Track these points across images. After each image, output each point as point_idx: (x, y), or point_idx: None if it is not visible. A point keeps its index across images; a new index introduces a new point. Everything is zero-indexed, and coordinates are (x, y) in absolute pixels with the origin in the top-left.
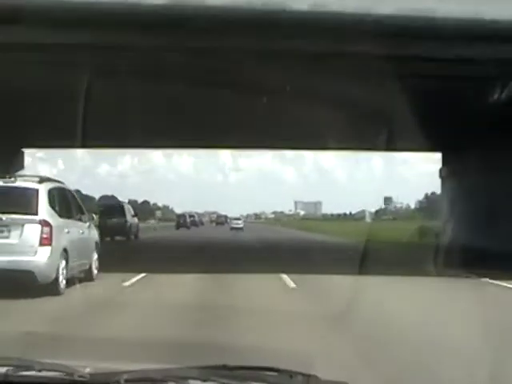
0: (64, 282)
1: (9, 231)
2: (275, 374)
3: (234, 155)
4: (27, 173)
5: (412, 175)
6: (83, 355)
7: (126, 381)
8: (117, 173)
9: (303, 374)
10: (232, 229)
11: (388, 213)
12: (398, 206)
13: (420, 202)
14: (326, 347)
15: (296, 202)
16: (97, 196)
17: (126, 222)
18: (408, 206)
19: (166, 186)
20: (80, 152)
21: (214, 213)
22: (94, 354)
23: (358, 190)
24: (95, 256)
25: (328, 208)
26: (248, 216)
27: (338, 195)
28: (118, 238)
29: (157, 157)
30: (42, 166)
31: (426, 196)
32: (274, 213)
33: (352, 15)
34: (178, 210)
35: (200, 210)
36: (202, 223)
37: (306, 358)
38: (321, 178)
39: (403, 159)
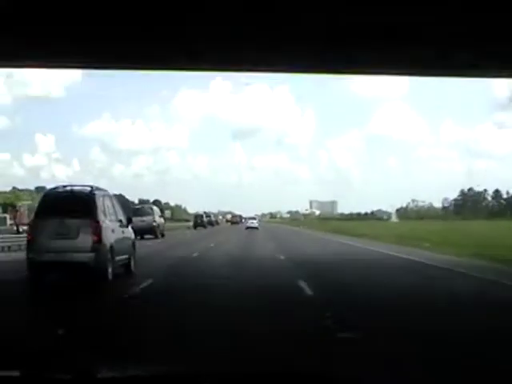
0: (111, 271)
1: (69, 231)
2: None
3: (248, 154)
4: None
5: (434, 173)
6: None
7: None
8: (131, 173)
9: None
10: (247, 228)
11: (410, 212)
12: (421, 204)
13: (444, 200)
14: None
15: (311, 202)
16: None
17: (154, 222)
18: (430, 205)
19: (179, 186)
20: (95, 151)
21: (228, 212)
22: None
23: (375, 189)
24: (133, 252)
25: (343, 207)
26: (263, 215)
27: (352, 194)
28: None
29: (171, 156)
30: (57, 165)
31: (463, 193)
32: (289, 212)
33: None
34: (191, 210)
35: (214, 210)
36: (218, 223)
37: (317, 367)
38: (336, 177)
39: (423, 156)
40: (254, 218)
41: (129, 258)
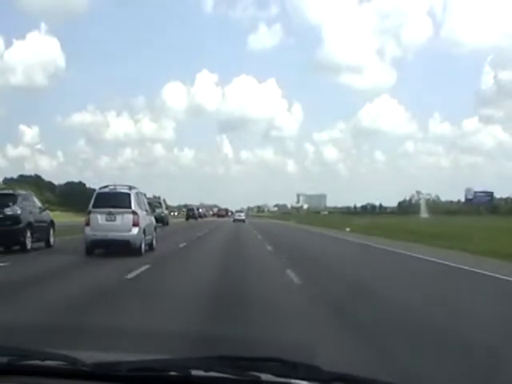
0: (143, 247)
1: (115, 218)
2: (278, 364)
3: (235, 147)
4: None
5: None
6: (86, 345)
7: (129, 370)
8: (116, 165)
9: (306, 365)
10: (235, 220)
11: (415, 206)
12: (426, 197)
13: (467, 191)
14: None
15: (298, 195)
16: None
17: (162, 213)
18: (437, 198)
19: (162, 178)
20: (80, 143)
21: (213, 206)
22: (97, 344)
23: (363, 183)
24: (155, 234)
25: (332, 201)
26: (249, 209)
27: (340, 188)
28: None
29: (157, 149)
30: (41, 157)
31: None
32: (276, 205)
33: None
34: (171, 203)
35: (196, 203)
36: (206, 215)
37: (308, 349)
38: (324, 170)
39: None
40: (241, 211)
41: (152, 238)
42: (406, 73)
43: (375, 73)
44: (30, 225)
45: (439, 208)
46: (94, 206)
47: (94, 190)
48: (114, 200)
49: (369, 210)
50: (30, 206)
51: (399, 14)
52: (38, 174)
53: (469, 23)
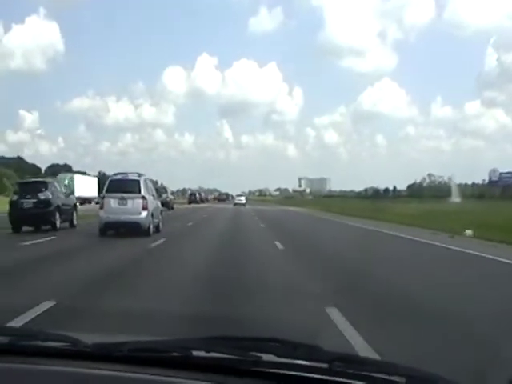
0: (152, 229)
1: (126, 202)
2: (278, 344)
3: (235, 132)
4: None
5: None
6: (88, 326)
7: (130, 351)
8: (116, 150)
9: (307, 345)
10: (235, 204)
11: (427, 189)
12: (439, 180)
13: (492, 172)
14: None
15: (300, 179)
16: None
17: (168, 198)
18: (449, 180)
19: (163, 162)
20: (80, 129)
21: (214, 190)
22: (100, 325)
23: (365, 166)
24: (161, 218)
25: (334, 185)
26: (250, 193)
27: (343, 171)
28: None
29: (157, 134)
30: (41, 142)
31: None
32: (277, 189)
33: None
34: (173, 188)
35: (195, 187)
36: (208, 199)
37: (309, 330)
38: (325, 154)
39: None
40: (241, 196)
41: (159, 221)
42: (407, 55)
43: (377, 56)
44: (58, 207)
45: (464, 191)
46: (107, 191)
47: (83, 173)
48: (126, 186)
49: (381, 194)
50: (57, 192)
51: None
52: (35, 159)
53: (472, 4)
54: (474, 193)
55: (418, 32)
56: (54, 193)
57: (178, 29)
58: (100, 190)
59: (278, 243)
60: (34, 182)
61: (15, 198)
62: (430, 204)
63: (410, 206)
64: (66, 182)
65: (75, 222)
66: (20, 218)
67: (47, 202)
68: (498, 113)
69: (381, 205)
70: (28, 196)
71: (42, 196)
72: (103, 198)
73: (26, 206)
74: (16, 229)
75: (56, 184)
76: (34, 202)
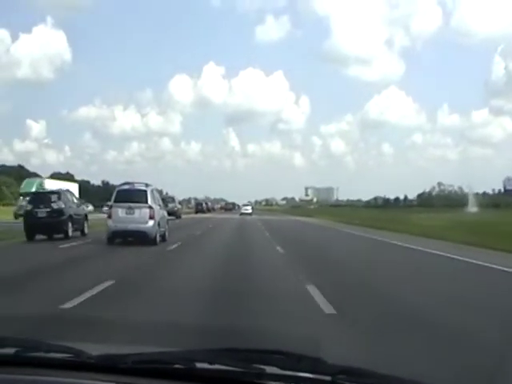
0: (158, 237)
1: (134, 212)
2: (282, 357)
3: (242, 140)
4: None
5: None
6: (92, 338)
7: (134, 362)
8: (123, 159)
9: (311, 358)
10: (241, 214)
11: (437, 198)
12: (449, 189)
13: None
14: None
15: (307, 188)
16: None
17: (175, 207)
18: (461, 189)
19: (169, 172)
20: (86, 137)
21: (220, 200)
22: (103, 337)
23: (372, 176)
24: (167, 227)
25: (341, 194)
26: (257, 202)
27: (348, 181)
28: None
29: (164, 143)
30: (48, 151)
31: None
32: (284, 199)
33: None
34: (179, 197)
35: (201, 196)
36: (214, 209)
37: (313, 342)
38: (332, 163)
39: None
40: (247, 205)
41: (165, 230)
42: (415, 64)
43: (384, 64)
44: (71, 217)
45: (480, 201)
46: (115, 201)
47: (86, 182)
48: (133, 196)
49: (391, 203)
50: (70, 202)
51: (409, 4)
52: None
53: (479, 12)
54: (488, 202)
55: (425, 40)
56: (66, 203)
57: (184, 38)
58: (97, 199)
59: (312, 289)
60: (47, 192)
61: (29, 207)
62: (449, 214)
63: (432, 216)
64: (34, 188)
65: (86, 231)
66: (34, 227)
67: (60, 212)
68: (505, 121)
69: (398, 215)
70: (42, 206)
71: (55, 206)
72: (111, 207)
73: (40, 215)
74: (30, 237)
75: (68, 194)
76: (47, 212)
